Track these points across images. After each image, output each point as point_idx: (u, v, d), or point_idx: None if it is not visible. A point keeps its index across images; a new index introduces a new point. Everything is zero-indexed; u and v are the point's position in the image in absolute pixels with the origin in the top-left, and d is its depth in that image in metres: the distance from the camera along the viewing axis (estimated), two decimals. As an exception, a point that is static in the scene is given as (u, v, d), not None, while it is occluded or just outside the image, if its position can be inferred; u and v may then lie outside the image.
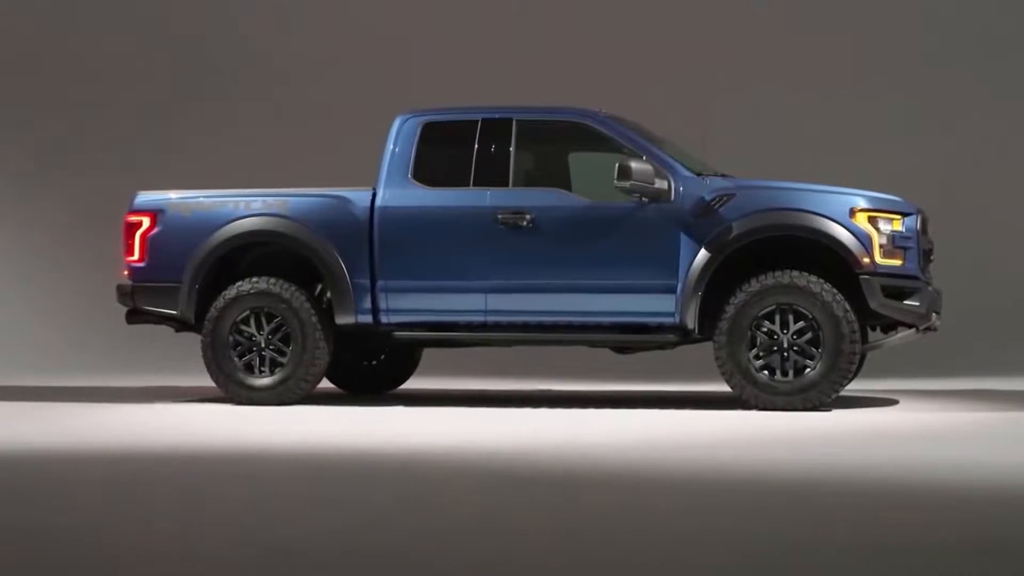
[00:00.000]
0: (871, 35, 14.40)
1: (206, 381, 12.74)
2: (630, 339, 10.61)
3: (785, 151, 13.67)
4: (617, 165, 10.21)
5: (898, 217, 10.22)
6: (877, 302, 10.06)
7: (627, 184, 10.19)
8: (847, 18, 14.41)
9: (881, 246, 10.08)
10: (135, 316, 11.46)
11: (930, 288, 10.39)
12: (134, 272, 11.25)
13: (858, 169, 13.10)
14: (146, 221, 11.26)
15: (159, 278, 11.18)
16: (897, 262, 10.15)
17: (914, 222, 10.28)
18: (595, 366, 13.11)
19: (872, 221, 10.11)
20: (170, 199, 11.28)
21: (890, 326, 10.63)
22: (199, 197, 11.25)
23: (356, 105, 14.64)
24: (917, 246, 10.27)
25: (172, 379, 13.47)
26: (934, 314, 10.37)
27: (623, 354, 11.35)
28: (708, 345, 10.69)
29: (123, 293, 11.33)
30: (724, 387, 11.35)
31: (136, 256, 11.24)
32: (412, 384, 12.49)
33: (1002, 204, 13.94)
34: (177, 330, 11.66)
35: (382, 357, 12.37)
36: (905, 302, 10.16)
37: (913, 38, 14.29)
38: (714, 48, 14.43)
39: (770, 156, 13.38)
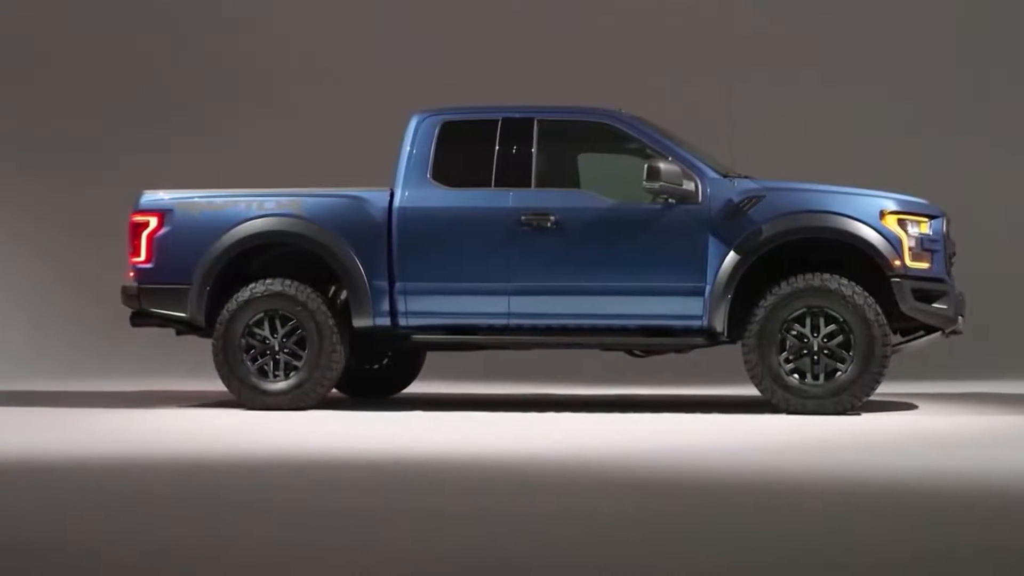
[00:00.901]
0: (875, 35, 14.38)
1: (197, 385, 12.52)
2: (657, 342, 10.46)
3: (789, 152, 13.59)
4: (646, 166, 10.11)
5: (925, 220, 10.20)
6: (908, 305, 10.02)
7: (656, 185, 10.08)
8: (853, 18, 14.39)
9: (910, 249, 10.05)
10: (140, 318, 11.15)
11: (955, 291, 10.36)
12: (140, 273, 10.94)
13: (859, 170, 13.06)
14: (153, 221, 10.96)
15: (167, 280, 10.88)
16: (925, 265, 10.12)
17: (940, 225, 10.26)
18: (593, 370, 12.97)
19: (901, 224, 10.08)
20: (179, 199, 10.98)
21: (907, 329, 10.60)
22: (210, 197, 10.97)
23: (353, 106, 14.41)
24: (943, 249, 10.26)
25: (156, 383, 13.20)
26: (960, 317, 10.36)
27: (636, 357, 11.19)
28: (720, 348, 10.61)
29: (129, 295, 11.01)
30: (741, 390, 11.29)
31: (143, 257, 10.94)
32: (413, 389, 12.29)
33: (1018, 204, 13.98)
34: (179, 333, 11.38)
35: (384, 362, 12.17)
36: (933, 305, 10.13)
37: (918, 37, 14.28)
38: (720, 49, 14.35)
39: (775, 157, 13.29)
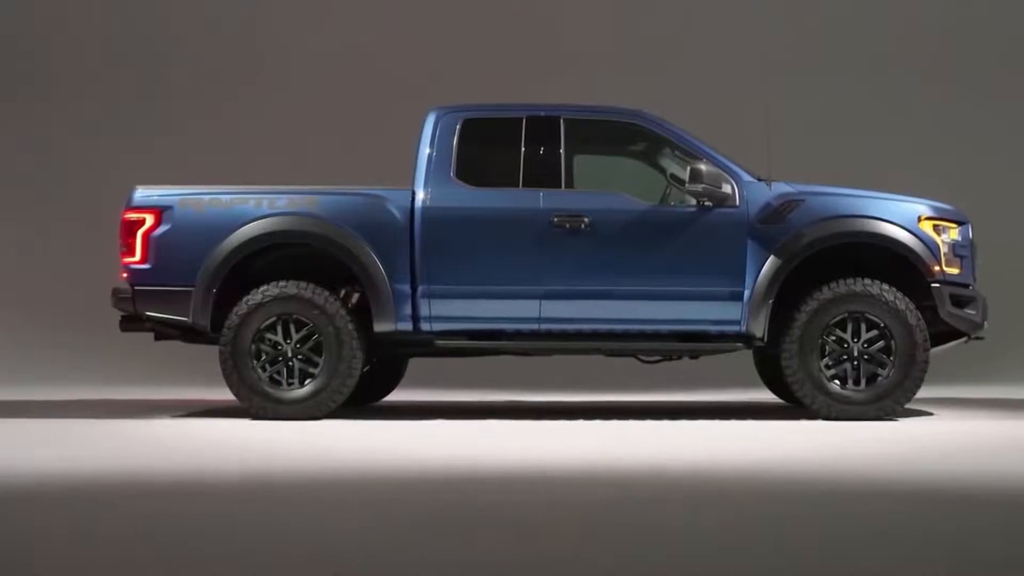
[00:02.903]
0: (877, 36, 14.45)
1: (188, 394, 11.92)
2: (693, 347, 10.22)
3: (794, 154, 13.52)
4: (689, 168, 9.92)
5: (955, 225, 10.23)
6: (945, 311, 10.03)
7: (699, 188, 9.88)
8: (856, 19, 14.43)
9: (944, 254, 10.08)
10: (131, 323, 10.41)
11: (981, 296, 10.41)
12: (135, 274, 10.22)
13: (858, 172, 13.08)
14: (149, 219, 10.26)
15: (166, 281, 10.19)
16: (956, 270, 10.16)
17: (968, 231, 10.31)
18: (592, 375, 12.73)
19: (936, 229, 10.11)
20: (179, 195, 10.30)
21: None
22: (214, 194, 10.31)
23: (350, 106, 13.87)
24: (971, 254, 10.31)
25: (157, 390, 12.56)
26: (984, 322, 10.42)
27: (645, 363, 10.95)
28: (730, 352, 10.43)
29: (121, 297, 10.27)
30: (754, 395, 11.16)
31: (137, 257, 10.23)
32: (397, 396, 11.88)
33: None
34: (157, 337, 10.70)
35: (367, 368, 11.65)
36: (965, 310, 10.17)
37: (918, 38, 14.39)
38: (727, 52, 14.23)
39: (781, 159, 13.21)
